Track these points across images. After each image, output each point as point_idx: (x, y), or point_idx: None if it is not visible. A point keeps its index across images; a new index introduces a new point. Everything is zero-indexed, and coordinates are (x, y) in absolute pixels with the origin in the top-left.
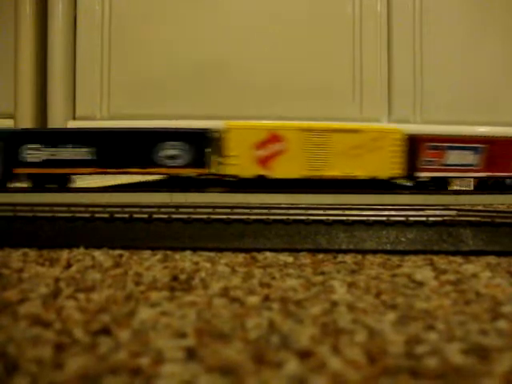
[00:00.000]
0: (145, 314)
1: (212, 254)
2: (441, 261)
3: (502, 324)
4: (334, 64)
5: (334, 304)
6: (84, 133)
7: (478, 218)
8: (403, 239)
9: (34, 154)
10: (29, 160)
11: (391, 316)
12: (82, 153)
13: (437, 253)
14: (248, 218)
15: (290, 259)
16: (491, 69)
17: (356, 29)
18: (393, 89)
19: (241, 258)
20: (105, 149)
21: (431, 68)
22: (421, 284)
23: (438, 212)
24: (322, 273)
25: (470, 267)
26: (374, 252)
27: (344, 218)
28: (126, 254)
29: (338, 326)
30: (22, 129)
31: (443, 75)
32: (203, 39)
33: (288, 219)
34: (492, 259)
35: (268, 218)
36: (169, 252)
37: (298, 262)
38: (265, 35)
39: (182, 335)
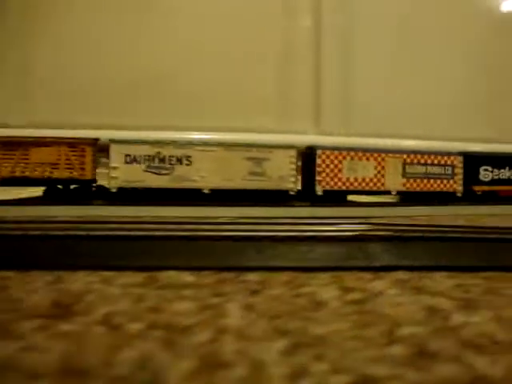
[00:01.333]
0: (1, 350)
1: (111, 274)
2: (350, 278)
3: (395, 349)
4: (260, 75)
5: (223, 331)
6: None
7: (390, 233)
8: (313, 255)
9: None
10: None
11: (281, 344)
12: None
13: (347, 269)
14: (154, 234)
15: (192, 279)
16: (422, 83)
17: (285, 40)
18: (321, 101)
19: (140, 277)
20: None
21: (360, 80)
22: (322, 305)
23: (350, 227)
24: (221, 294)
25: (378, 284)
26: (283, 269)
27: (254, 233)
28: (13, 275)
29: (219, 358)
30: None
31: (373, 88)
32: (125, 50)
33: (196, 235)
34: (402, 274)
35: (173, 235)
36: (62, 272)
37: (200, 281)
38: (191, 46)
39: (34, 377)
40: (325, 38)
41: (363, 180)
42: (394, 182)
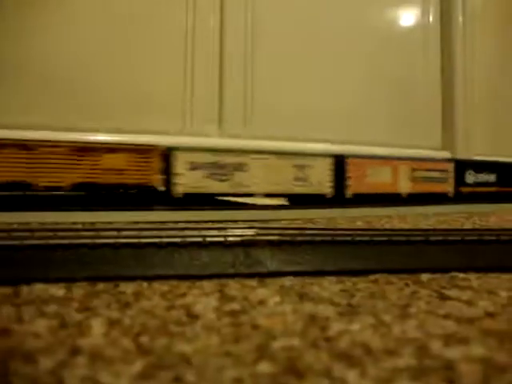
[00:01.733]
0: None
1: None
2: (234, 285)
3: (263, 367)
4: (163, 76)
5: (76, 352)
6: None
7: (278, 237)
8: (197, 262)
9: None
10: None
11: (138, 366)
12: None
13: (232, 276)
14: (22, 243)
15: (61, 292)
16: (324, 87)
17: (188, 41)
18: (224, 103)
19: (1, 292)
20: None
21: (264, 83)
22: (196, 318)
23: (237, 231)
24: (88, 308)
25: (262, 292)
26: (165, 278)
27: (135, 240)
28: None
29: None
30: None
31: (275, 91)
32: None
33: (72, 243)
34: (288, 281)
35: (48, 243)
36: None
37: (69, 295)
38: (98, 46)
39: None
40: (228, 39)
41: (383, 184)
42: (405, 185)
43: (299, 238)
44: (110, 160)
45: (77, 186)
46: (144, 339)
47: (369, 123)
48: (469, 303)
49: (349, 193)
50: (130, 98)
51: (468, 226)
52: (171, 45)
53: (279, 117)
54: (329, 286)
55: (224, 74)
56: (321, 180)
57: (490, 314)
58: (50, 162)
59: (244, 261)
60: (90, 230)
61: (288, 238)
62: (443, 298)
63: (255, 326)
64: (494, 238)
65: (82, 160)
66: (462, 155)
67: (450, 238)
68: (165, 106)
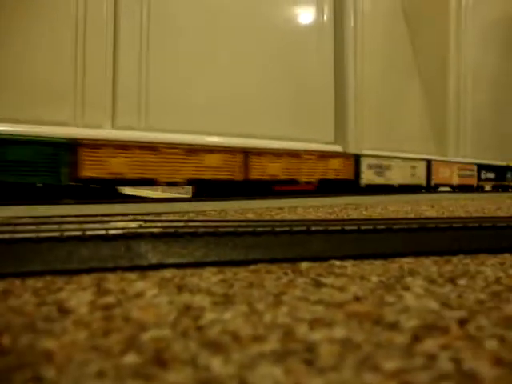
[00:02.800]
0: None
1: None
2: (113, 279)
3: (129, 358)
4: (53, 63)
5: None
6: None
7: (160, 229)
8: (76, 257)
9: None
10: None
11: None
12: None
13: (112, 270)
14: None
15: None
16: (223, 81)
17: (79, 28)
18: (117, 93)
19: None
20: None
21: (159, 73)
22: (67, 313)
23: (119, 224)
24: None
25: (140, 285)
26: (40, 274)
27: (7, 235)
28: None
29: None
30: None
31: (173, 81)
32: None
33: None
34: (169, 273)
35: None
36: None
37: None
38: None
39: None
40: (122, 28)
41: None
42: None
43: (182, 230)
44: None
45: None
46: (5, 339)
47: (266, 118)
48: (341, 289)
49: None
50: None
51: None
52: (61, 31)
53: (175, 110)
54: (209, 277)
55: (118, 66)
56: None
57: (357, 298)
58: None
59: (124, 254)
60: None
61: (171, 230)
62: (318, 285)
63: (127, 319)
64: (370, 227)
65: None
66: (354, 150)
67: (331, 228)
68: (56, 94)
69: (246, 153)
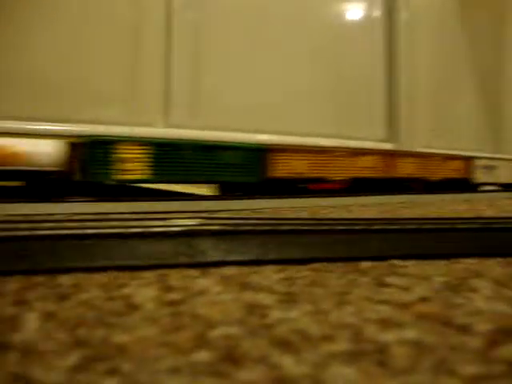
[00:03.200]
0: None
1: None
2: (175, 276)
3: (201, 355)
4: (108, 65)
5: (7, 348)
6: None
7: (220, 227)
8: (138, 253)
9: None
10: None
11: (72, 359)
12: None
13: (175, 266)
14: None
15: None
16: (273, 78)
17: (134, 30)
18: (170, 93)
19: None
20: None
21: (211, 71)
22: (135, 308)
23: (180, 222)
24: (22, 302)
25: (202, 282)
26: (104, 269)
27: (75, 231)
28: None
29: None
30: None
31: (224, 80)
32: None
33: (7, 235)
34: (230, 270)
35: None
36: None
37: (3, 288)
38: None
39: None
40: (177, 30)
41: None
42: None
43: (241, 228)
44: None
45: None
46: (82, 331)
47: (314, 115)
48: (405, 289)
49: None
50: (75, 89)
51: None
52: (116, 34)
53: (226, 108)
54: (270, 275)
55: (170, 64)
56: None
57: (424, 299)
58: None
59: (186, 251)
60: (28, 221)
61: (231, 228)
62: (381, 284)
63: (194, 316)
64: (432, 226)
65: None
66: (406, 147)
67: (390, 226)
68: (107, 94)
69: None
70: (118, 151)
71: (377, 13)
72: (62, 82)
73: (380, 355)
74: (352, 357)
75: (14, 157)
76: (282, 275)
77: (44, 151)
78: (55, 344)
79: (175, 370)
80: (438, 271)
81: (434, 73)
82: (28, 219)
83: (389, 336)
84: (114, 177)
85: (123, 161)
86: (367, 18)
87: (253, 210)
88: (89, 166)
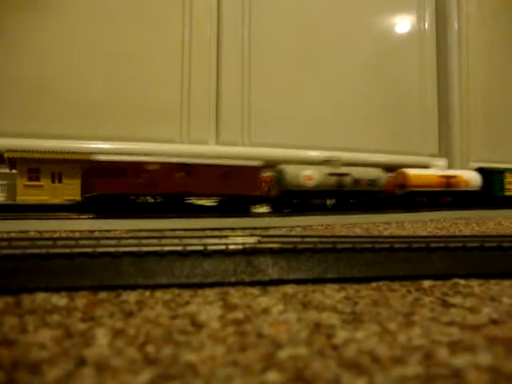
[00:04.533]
0: None
1: None
2: (236, 294)
3: (271, 376)
4: (162, 85)
5: (82, 363)
6: None
7: (279, 245)
8: (199, 271)
9: None
10: None
11: (145, 376)
12: None
13: (235, 284)
14: (22, 252)
15: (63, 301)
16: (322, 96)
17: (185, 52)
18: (221, 111)
19: (2, 302)
20: None
21: (260, 92)
22: (201, 327)
23: (239, 239)
24: (91, 318)
25: (264, 300)
26: (166, 287)
27: (135, 248)
28: None
29: None
30: None
31: (272, 99)
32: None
33: (72, 252)
34: (290, 288)
35: (48, 252)
36: None
37: (72, 304)
38: (95, 55)
39: None
40: (225, 50)
41: None
42: None
43: (300, 246)
44: None
45: None
46: (149, 349)
47: (365, 130)
48: (472, 310)
49: None
50: (132, 108)
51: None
52: (169, 56)
53: (275, 125)
54: (332, 294)
55: (221, 84)
56: None
57: (494, 321)
58: None
59: (245, 269)
60: (90, 238)
61: (289, 246)
62: (446, 305)
63: (260, 335)
64: (495, 244)
65: None
66: (460, 162)
67: (451, 244)
68: (164, 114)
69: None
70: None
71: (428, 24)
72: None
73: (455, 380)
74: (426, 380)
75: None
76: (343, 294)
77: None
78: (126, 361)
79: None
80: (505, 292)
81: (486, 84)
82: (88, 236)
83: (461, 360)
84: None
85: None
86: (418, 30)
87: (304, 227)
88: None
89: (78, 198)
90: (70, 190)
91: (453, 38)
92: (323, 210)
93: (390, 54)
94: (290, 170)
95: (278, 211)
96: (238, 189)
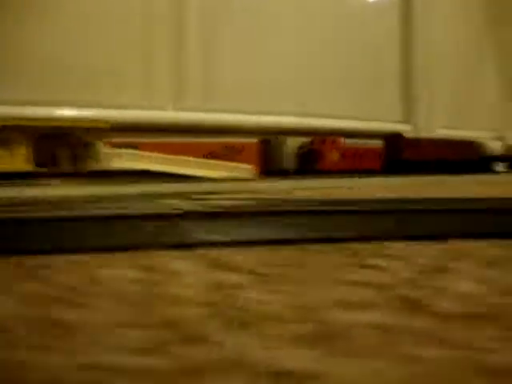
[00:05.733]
0: None
1: None
2: (152, 257)
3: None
4: (121, 49)
5: None
6: None
7: (203, 208)
8: (114, 234)
9: None
10: None
11: None
12: None
13: (154, 248)
14: None
15: None
16: (290, 59)
17: (145, 15)
18: (181, 77)
19: None
20: None
21: (222, 57)
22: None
23: (166, 202)
24: None
25: (179, 264)
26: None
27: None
28: None
29: None
30: None
31: (233, 64)
32: None
33: None
34: (210, 251)
35: None
36: None
37: None
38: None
39: None
40: (187, 14)
41: None
42: None
43: (224, 210)
44: None
45: None
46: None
47: (330, 96)
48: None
49: None
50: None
51: None
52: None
53: (240, 90)
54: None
55: (184, 49)
56: None
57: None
58: None
59: (169, 232)
60: None
61: (215, 210)
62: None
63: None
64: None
65: None
66: (423, 129)
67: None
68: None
69: None
70: None
71: None
72: None
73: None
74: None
75: None
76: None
77: None
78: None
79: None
80: None
81: (452, 50)
82: None
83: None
84: None
85: None
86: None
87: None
88: None
89: None
90: None
91: (418, 8)
92: None
93: (354, 22)
94: None
95: None
96: None
